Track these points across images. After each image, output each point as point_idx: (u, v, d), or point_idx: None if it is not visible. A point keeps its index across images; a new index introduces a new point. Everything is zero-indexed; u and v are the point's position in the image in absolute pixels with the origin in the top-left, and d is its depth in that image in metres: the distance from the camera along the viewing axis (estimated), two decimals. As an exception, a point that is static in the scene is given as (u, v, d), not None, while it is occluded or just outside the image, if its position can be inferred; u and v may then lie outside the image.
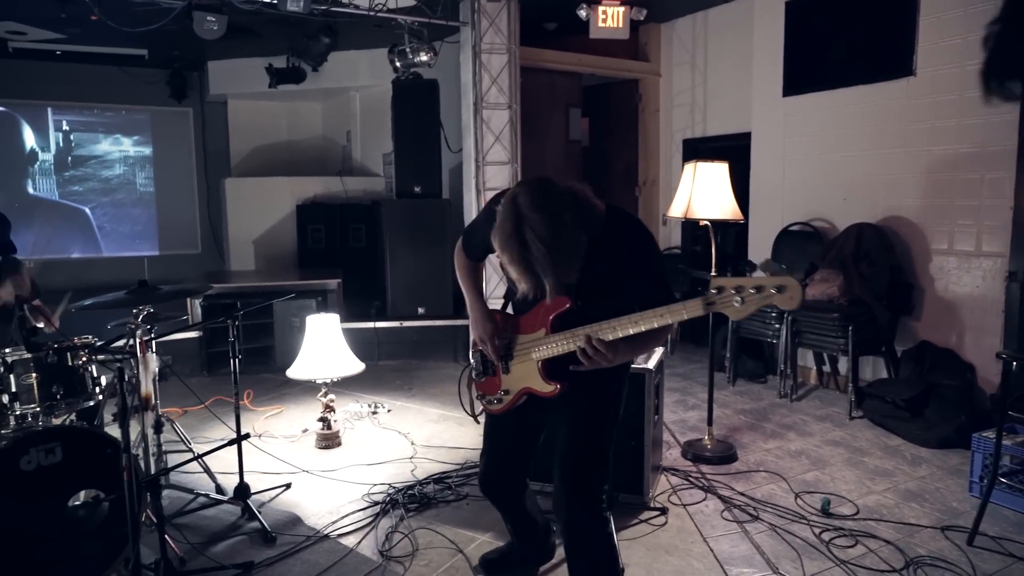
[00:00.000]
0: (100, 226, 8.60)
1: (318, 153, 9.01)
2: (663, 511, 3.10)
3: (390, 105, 7.46)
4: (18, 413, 2.58)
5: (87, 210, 8.53)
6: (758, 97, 5.60)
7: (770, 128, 5.49)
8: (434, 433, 4.21)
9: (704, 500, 3.23)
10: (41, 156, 8.36)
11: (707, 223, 3.64)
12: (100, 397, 2.82)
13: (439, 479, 3.50)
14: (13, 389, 2.60)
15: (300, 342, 4.17)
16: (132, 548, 2.10)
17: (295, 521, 3.13)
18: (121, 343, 2.92)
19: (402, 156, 6.31)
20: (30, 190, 8.30)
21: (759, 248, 5.52)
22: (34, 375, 2.62)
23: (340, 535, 3.00)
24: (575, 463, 2.12)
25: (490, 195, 5.83)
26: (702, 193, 3.52)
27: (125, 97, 8.53)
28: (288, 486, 3.49)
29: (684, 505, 3.18)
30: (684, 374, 5.39)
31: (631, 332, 1.91)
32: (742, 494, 3.26)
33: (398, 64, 6.05)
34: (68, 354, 2.69)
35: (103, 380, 2.85)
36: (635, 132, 7.11)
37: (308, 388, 4.95)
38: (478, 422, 2.54)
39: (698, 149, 6.66)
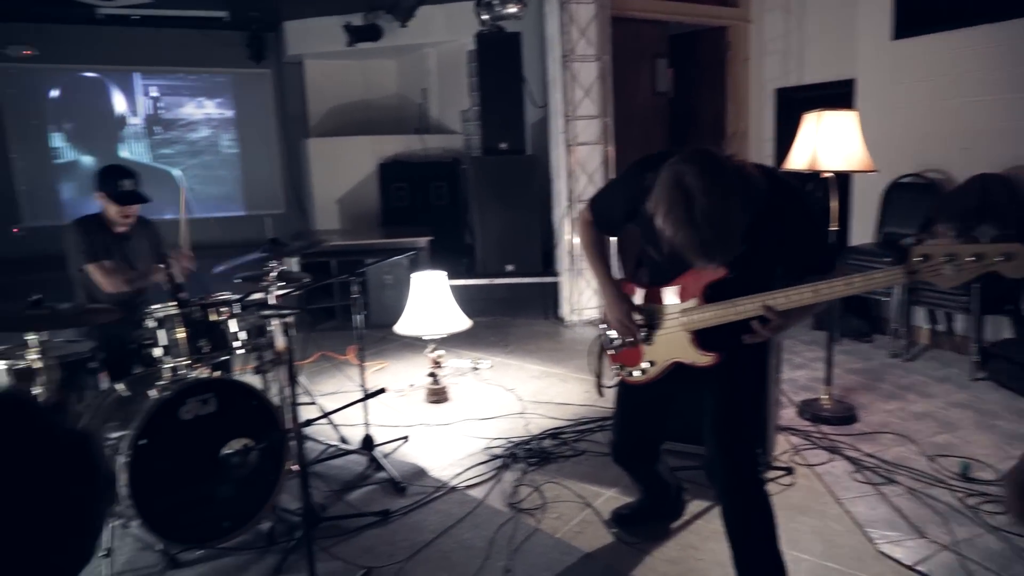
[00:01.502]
0: (190, 188, 8.84)
1: (393, 112, 9.00)
2: (789, 470, 3.06)
3: (466, 61, 7.41)
4: (170, 366, 2.69)
5: (177, 172, 8.78)
6: (864, 41, 5.30)
7: (877, 74, 5.20)
8: (539, 389, 4.24)
9: (830, 461, 3.17)
10: (131, 120, 8.60)
11: (829, 175, 3.49)
12: (240, 351, 2.91)
13: (554, 434, 3.52)
14: (164, 343, 2.70)
15: (392, 298, 4.21)
16: (303, 494, 2.18)
17: (420, 472, 3.22)
18: (264, 298, 2.99)
19: (486, 112, 6.24)
20: (122, 154, 8.57)
21: (865, 203, 5.30)
22: (182, 330, 2.71)
23: (467, 487, 3.06)
24: (730, 427, 2.09)
25: (580, 150, 5.78)
26: (828, 143, 3.37)
27: (206, 60, 8.66)
28: (406, 439, 3.57)
29: (810, 465, 3.12)
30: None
31: (810, 301, 1.84)
32: (870, 455, 3.18)
33: (484, 17, 5.95)
34: (213, 310, 2.78)
35: (240, 336, 2.93)
36: (723, 82, 6.85)
37: (407, 344, 5.05)
38: (601, 395, 2.53)
39: (792, 99, 6.37)
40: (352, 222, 7.81)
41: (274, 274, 3.03)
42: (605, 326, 2.32)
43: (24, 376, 2.67)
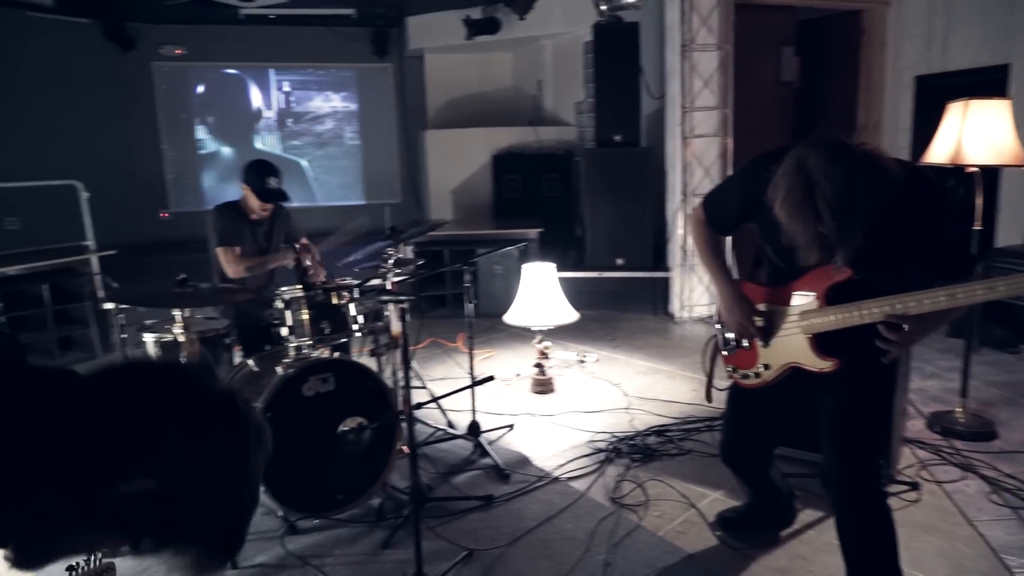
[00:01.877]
0: (315, 177, 9.36)
1: (508, 104, 9.10)
2: (914, 486, 2.86)
3: (583, 52, 7.37)
4: (294, 345, 2.87)
5: (304, 162, 9.30)
6: None
7: (1037, 59, 4.72)
8: (645, 385, 4.18)
9: (962, 479, 2.93)
10: (265, 114, 9.19)
11: (974, 170, 3.22)
12: (357, 334, 3.05)
13: (659, 431, 3.47)
14: (290, 323, 2.89)
15: (502, 288, 4.27)
16: (411, 473, 2.28)
17: (524, 461, 3.26)
18: (381, 284, 3.13)
19: (601, 104, 6.20)
20: (257, 145, 9.17)
21: (1015, 200, 4.84)
22: (306, 311, 2.88)
23: (570, 478, 3.08)
24: (850, 435, 1.97)
25: (697, 143, 5.63)
26: (975, 135, 3.10)
27: (333, 56, 9.10)
28: (511, 427, 3.63)
29: (939, 482, 2.91)
30: (912, 338, 4.91)
31: (944, 306, 1.71)
32: (1011, 476, 2.91)
33: (602, 7, 5.90)
34: (334, 294, 2.94)
35: (360, 319, 3.07)
36: (855, 70, 6.43)
37: (515, 334, 5.11)
38: (710, 399, 2.45)
39: (933, 86, 5.90)
40: (465, 212, 7.99)
41: (391, 261, 3.15)
42: (720, 327, 2.25)
43: (168, 348, 2.94)
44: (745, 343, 2.17)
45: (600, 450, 3.31)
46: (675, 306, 5.64)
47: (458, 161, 8.06)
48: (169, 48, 8.67)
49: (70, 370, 0.83)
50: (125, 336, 3.10)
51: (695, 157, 5.50)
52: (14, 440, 0.76)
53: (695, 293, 5.57)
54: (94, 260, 5.35)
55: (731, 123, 5.47)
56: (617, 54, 6.09)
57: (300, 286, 2.89)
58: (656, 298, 5.84)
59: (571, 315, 4.13)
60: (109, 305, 3.67)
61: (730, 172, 5.41)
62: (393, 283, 3.13)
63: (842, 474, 1.96)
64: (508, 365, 4.64)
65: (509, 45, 8.69)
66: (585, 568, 2.42)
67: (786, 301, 2.03)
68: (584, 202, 6.23)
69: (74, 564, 1.20)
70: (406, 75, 9.31)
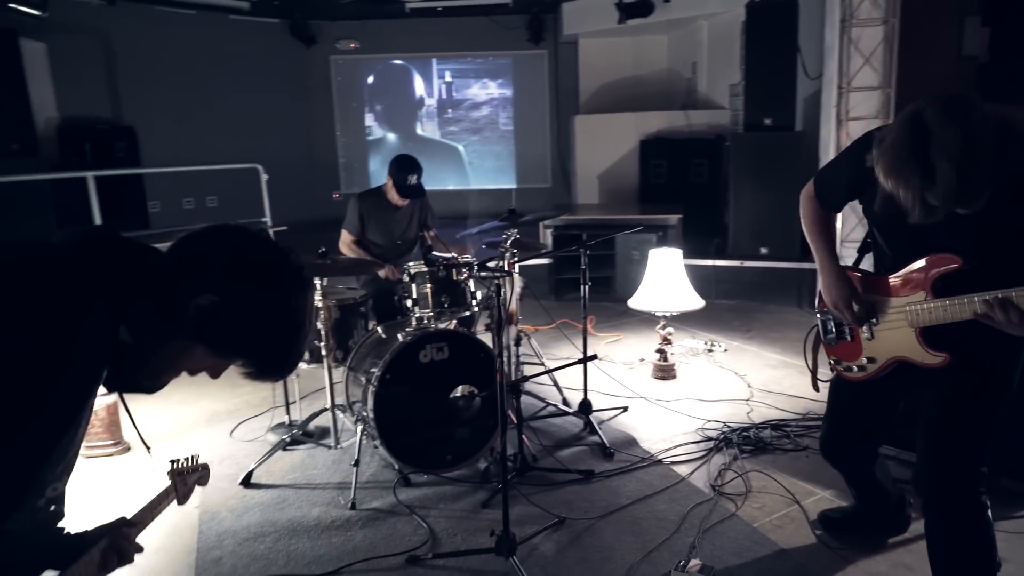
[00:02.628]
0: (470, 161, 9.80)
1: (662, 87, 8.95)
2: (1059, 506, 2.57)
3: (739, 32, 7.07)
4: (417, 315, 3.13)
5: (460, 147, 9.77)
6: None
7: None
8: (772, 379, 4.05)
9: (1123, 503, 2.59)
10: (427, 102, 9.75)
11: None
12: (476, 309, 3.26)
13: (777, 425, 3.37)
14: (414, 296, 3.15)
15: (639, 274, 4.29)
16: (500, 439, 2.44)
17: (631, 442, 3.31)
18: (493, 264, 3.31)
19: (752, 86, 5.95)
20: (418, 131, 9.76)
21: None
22: (429, 286, 3.13)
23: (673, 462, 3.09)
24: (945, 436, 1.84)
25: (853, 126, 5.26)
26: None
27: (491, 44, 9.44)
28: (625, 409, 3.69)
29: (1092, 504, 2.59)
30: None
31: None
32: None
33: (756, -15, 5.64)
34: (454, 271, 3.16)
35: (478, 295, 3.27)
36: (1058, 41, 5.65)
37: (646, 319, 5.12)
38: (817, 390, 2.36)
39: None
40: (610, 197, 8.02)
41: (509, 242, 3.31)
42: (821, 314, 2.18)
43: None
44: (848, 335, 2.08)
45: (710, 438, 3.28)
46: (821, 299, 5.33)
47: (605, 146, 8.08)
48: (345, 43, 9.45)
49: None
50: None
51: (851, 141, 5.14)
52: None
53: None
54: (269, 235, 6.04)
55: (894, 103, 5.04)
56: (773, 32, 5.80)
57: (424, 262, 3.14)
58: (802, 290, 5.56)
59: (696, 302, 4.08)
60: None
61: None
62: (509, 263, 3.30)
63: (934, 478, 1.84)
64: (633, 349, 4.67)
65: (664, 27, 8.53)
66: (670, 548, 2.45)
67: (890, 291, 1.93)
68: (729, 188, 6.04)
69: (175, 459, 1.47)
70: (560, 61, 9.45)
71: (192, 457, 1.52)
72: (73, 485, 1.20)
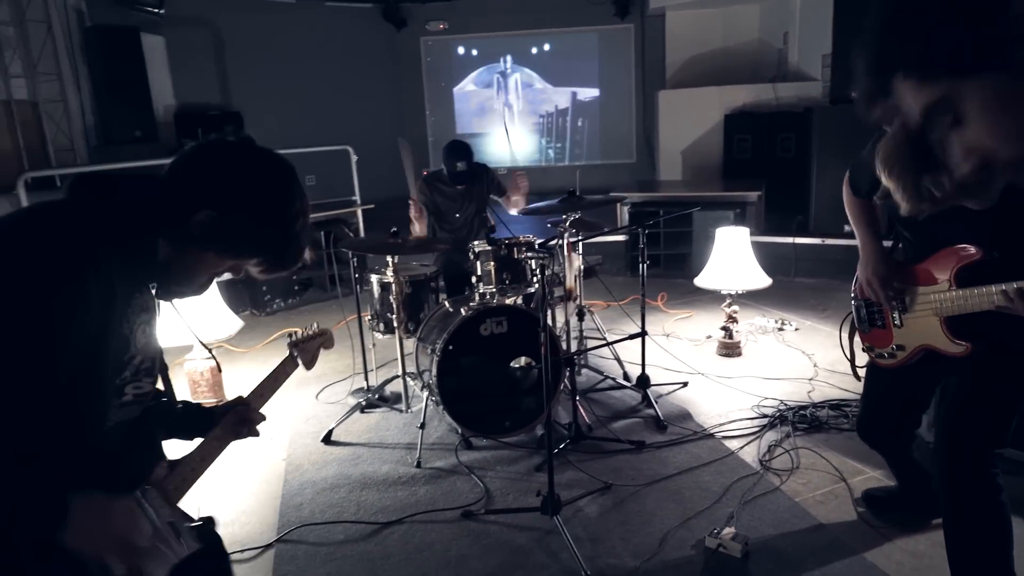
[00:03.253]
0: (553, 140, 9.90)
1: (751, 59, 8.70)
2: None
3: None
4: (480, 291, 3.34)
5: (539, 120, 9.89)
6: None
7: None
8: (840, 359, 3.96)
9: None
10: (512, 79, 9.90)
11: None
12: (536, 286, 3.43)
13: (836, 405, 3.37)
14: (479, 272, 3.35)
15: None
16: (546, 407, 2.61)
17: (686, 416, 3.41)
18: (553, 243, 3.47)
19: (841, 56, 5.75)
20: (502, 111, 9.94)
21: None
22: (492, 263, 3.32)
23: (725, 437, 3.18)
24: (959, 417, 1.87)
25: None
26: None
27: (577, 20, 9.44)
28: (685, 384, 3.77)
29: None
30: None
31: None
32: None
33: (845, -49, 5.42)
34: (514, 250, 3.34)
35: (539, 274, 3.44)
36: None
37: (719, 297, 5.11)
38: (858, 378, 2.38)
39: None
40: (693, 173, 7.93)
41: (568, 223, 3.45)
42: (855, 301, 2.21)
43: (386, 288, 3.59)
44: (880, 322, 2.12)
45: (765, 415, 3.33)
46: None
47: (690, 121, 7.98)
48: (434, 24, 9.71)
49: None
50: (358, 276, 3.82)
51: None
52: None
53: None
54: (359, 212, 6.43)
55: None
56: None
57: (487, 241, 3.34)
58: (886, 269, 5.38)
59: (763, 281, 4.08)
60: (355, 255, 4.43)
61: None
62: (569, 244, 3.44)
63: (948, 458, 1.87)
64: (702, 327, 4.71)
65: (756, -4, 8.28)
66: (710, 517, 2.57)
67: (917, 279, 1.95)
68: (812, 163, 5.88)
69: (292, 332, 1.71)
70: (647, 35, 9.34)
71: (310, 325, 1.75)
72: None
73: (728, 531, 2.39)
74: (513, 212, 4.18)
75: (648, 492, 2.77)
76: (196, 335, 1.63)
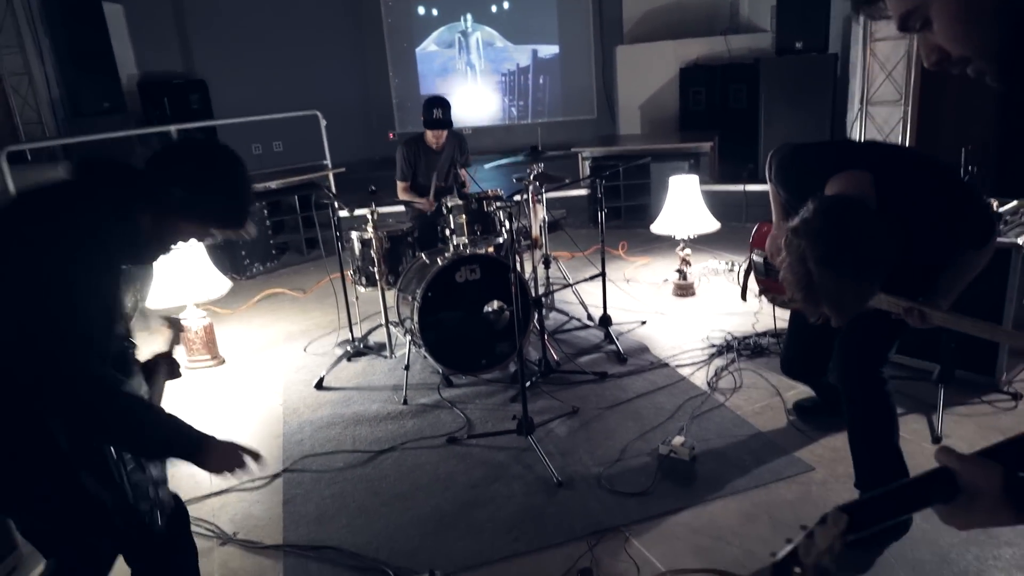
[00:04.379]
0: (516, 96, 10.08)
1: (705, 12, 8.91)
2: (1016, 396, 2.92)
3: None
4: (454, 243, 3.63)
5: (501, 79, 10.05)
6: None
7: None
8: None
9: (1074, 392, 2.92)
10: (472, 36, 10.00)
11: None
12: (505, 236, 3.73)
13: (776, 333, 3.76)
14: (452, 226, 3.64)
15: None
16: (518, 340, 2.95)
17: (644, 350, 3.79)
18: (518, 197, 3.77)
19: (785, 8, 6.04)
20: (464, 69, 10.07)
21: None
22: (464, 216, 3.61)
23: (678, 365, 3.56)
24: (848, 337, 2.24)
25: (880, 47, 5.32)
26: None
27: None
28: (644, 323, 4.15)
29: (1044, 393, 2.93)
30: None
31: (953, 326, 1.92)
32: None
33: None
34: (483, 203, 3.63)
35: (507, 224, 3.74)
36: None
37: (675, 243, 5.47)
38: (744, 299, 2.95)
39: None
40: (651, 127, 8.22)
41: (533, 175, 3.75)
42: (756, 254, 2.60)
43: (366, 244, 3.86)
44: (775, 275, 2.48)
45: (714, 345, 3.72)
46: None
47: (646, 76, 8.23)
48: (393, -16, 9.73)
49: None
50: (339, 234, 4.07)
51: (878, 62, 5.26)
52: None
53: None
54: (330, 176, 6.62)
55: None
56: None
57: (458, 197, 3.62)
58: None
59: (712, 225, 4.43)
60: (343, 213, 4.65)
61: (914, 77, 5.11)
62: (534, 196, 3.74)
63: (843, 363, 2.26)
64: (660, 271, 5.08)
65: (711, -49, 8.47)
66: (664, 430, 2.95)
67: None
68: (760, 112, 6.21)
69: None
70: (605, -12, 9.49)
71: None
72: (178, 390, 1.78)
73: (678, 439, 2.78)
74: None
75: (610, 414, 3.14)
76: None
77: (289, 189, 6.42)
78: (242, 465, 1.62)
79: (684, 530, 2.35)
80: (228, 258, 5.81)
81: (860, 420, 2.25)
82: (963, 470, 0.88)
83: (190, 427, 1.57)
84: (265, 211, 6.13)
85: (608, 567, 2.20)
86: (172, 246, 1.70)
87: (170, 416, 1.58)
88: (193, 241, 1.74)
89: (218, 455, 1.59)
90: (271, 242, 6.22)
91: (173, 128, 5.96)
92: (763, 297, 2.87)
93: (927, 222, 1.91)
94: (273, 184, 6.34)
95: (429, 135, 4.38)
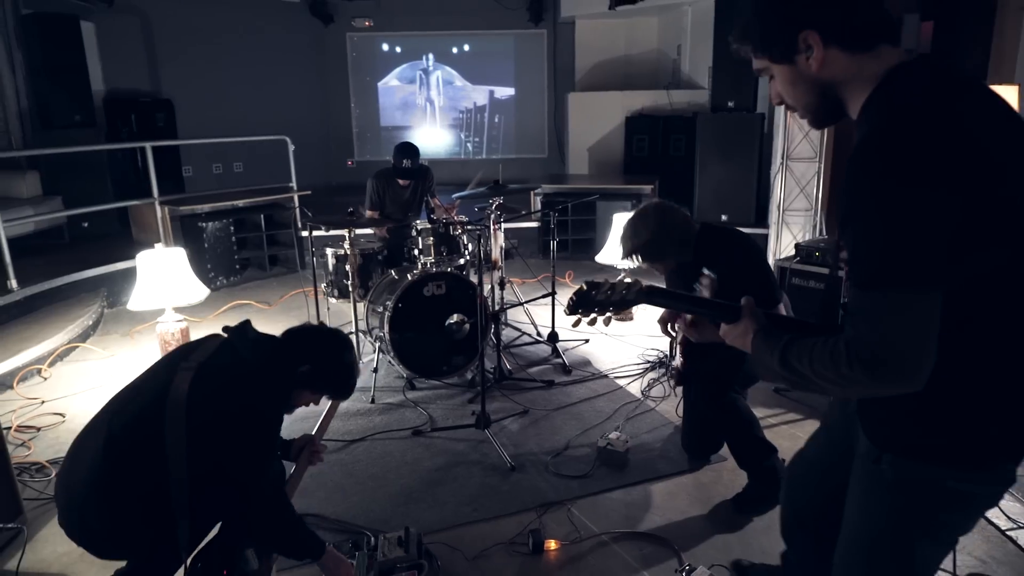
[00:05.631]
0: (472, 135, 10.63)
1: (650, 67, 9.71)
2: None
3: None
4: (422, 261, 4.05)
5: (458, 116, 10.59)
6: None
7: None
8: (710, 320, 4.97)
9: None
10: (433, 76, 10.54)
11: None
12: (467, 257, 4.18)
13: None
14: (420, 247, 4.07)
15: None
16: (479, 358, 3.37)
17: (587, 363, 4.27)
18: (484, 222, 4.22)
19: (720, 70, 6.76)
20: (420, 103, 10.58)
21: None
22: (431, 238, 4.05)
23: (617, 377, 4.04)
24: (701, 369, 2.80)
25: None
26: None
27: (495, 23, 10.18)
28: (587, 340, 4.63)
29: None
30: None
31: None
32: None
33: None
34: (450, 228, 4.07)
35: (470, 247, 4.19)
36: (988, 35, 6.42)
37: (615, 274, 6.02)
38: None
39: (1068, 54, 5.83)
40: (597, 168, 8.87)
41: (495, 206, 4.22)
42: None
43: (340, 260, 4.24)
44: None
45: (648, 360, 4.23)
46: (770, 258, 6.22)
47: (595, 121, 8.90)
48: (360, 21, 10.22)
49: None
50: (313, 250, 4.44)
51: (797, 123, 5.98)
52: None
53: (784, 245, 6.13)
54: (295, 198, 6.96)
55: (830, 93, 5.85)
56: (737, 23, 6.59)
57: (427, 222, 4.06)
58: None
59: (650, 258, 4.98)
60: (304, 233, 5.03)
61: (827, 138, 5.86)
62: (495, 224, 4.21)
63: (698, 397, 2.96)
64: (602, 298, 5.59)
65: (655, 10, 9.26)
66: (601, 429, 3.40)
67: None
68: (695, 162, 6.89)
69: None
70: (558, 40, 10.20)
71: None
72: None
73: (615, 435, 3.23)
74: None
75: (556, 415, 3.59)
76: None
77: (255, 208, 6.73)
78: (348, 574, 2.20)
79: (617, 504, 2.80)
80: (195, 270, 6.05)
81: (726, 431, 2.87)
82: (745, 311, 1.39)
83: (315, 535, 2.17)
84: (231, 227, 6.41)
85: (553, 531, 2.62)
86: (294, 408, 2.16)
87: (303, 524, 2.19)
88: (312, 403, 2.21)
89: (331, 562, 2.17)
90: (235, 257, 6.49)
91: (148, 145, 6.21)
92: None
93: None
94: (240, 203, 6.65)
95: (397, 178, 4.82)
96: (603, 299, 1.46)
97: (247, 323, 2.15)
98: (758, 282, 2.62)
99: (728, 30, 1.44)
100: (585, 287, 1.45)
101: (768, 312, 1.40)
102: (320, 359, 2.09)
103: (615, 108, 8.77)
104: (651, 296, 1.45)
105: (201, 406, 1.87)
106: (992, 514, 2.61)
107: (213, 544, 2.08)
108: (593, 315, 1.48)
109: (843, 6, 1.18)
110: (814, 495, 1.71)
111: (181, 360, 2.00)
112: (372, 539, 2.43)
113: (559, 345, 4.37)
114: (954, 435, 1.22)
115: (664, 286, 1.86)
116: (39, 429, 3.55)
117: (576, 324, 1.55)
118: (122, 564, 2.04)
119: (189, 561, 1.97)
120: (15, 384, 4.04)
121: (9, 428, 3.50)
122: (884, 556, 1.35)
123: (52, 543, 2.58)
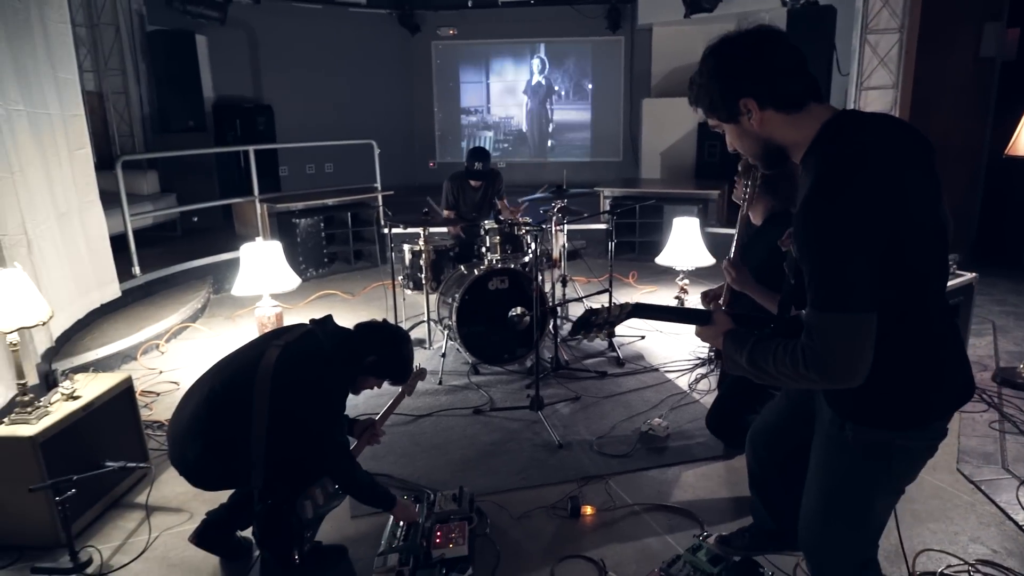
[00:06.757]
0: (552, 138, 10.99)
1: (727, 72, 9.77)
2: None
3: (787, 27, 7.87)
4: (488, 258, 4.43)
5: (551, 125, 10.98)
6: None
7: None
8: (765, 322, 5.13)
9: (985, 411, 3.61)
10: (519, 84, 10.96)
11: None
12: (530, 256, 4.53)
13: (752, 352, 4.49)
14: (487, 244, 4.45)
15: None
16: (534, 348, 3.72)
17: (640, 358, 4.54)
18: (543, 224, 4.57)
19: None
20: (513, 112, 11.00)
21: None
22: (498, 237, 4.42)
23: (667, 371, 4.30)
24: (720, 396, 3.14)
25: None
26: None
27: (574, 31, 10.51)
28: (643, 337, 4.90)
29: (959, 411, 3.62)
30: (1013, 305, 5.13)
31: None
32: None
33: (797, -10, 6.52)
34: (514, 228, 4.44)
35: (532, 246, 4.54)
36: (1078, 42, 6.25)
37: (676, 275, 6.23)
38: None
39: None
40: (669, 172, 9.04)
41: (556, 208, 4.56)
42: None
43: (416, 255, 4.68)
44: None
45: (699, 357, 4.46)
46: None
47: (669, 127, 9.08)
48: (445, 30, 10.76)
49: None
50: (393, 246, 4.90)
51: (865, 132, 6.03)
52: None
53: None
54: (379, 197, 7.50)
55: (899, 101, 5.89)
56: (812, 34, 6.67)
57: (495, 222, 4.44)
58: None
59: (707, 260, 5.19)
60: (385, 231, 5.51)
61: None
62: (556, 225, 4.54)
63: (715, 415, 3.21)
64: (663, 297, 5.84)
65: (732, 18, 9.33)
66: (646, 416, 3.68)
67: None
68: (764, 169, 7.00)
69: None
70: (635, 47, 10.42)
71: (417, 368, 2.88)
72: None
73: (658, 421, 3.51)
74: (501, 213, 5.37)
75: (606, 402, 3.89)
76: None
77: (343, 206, 7.31)
78: (415, 519, 2.60)
79: (652, 481, 3.09)
80: (288, 262, 6.66)
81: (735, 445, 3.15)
82: (715, 315, 1.69)
83: (386, 489, 2.56)
84: (321, 224, 7.01)
85: (591, 499, 2.94)
86: (360, 391, 2.56)
87: (373, 480, 2.58)
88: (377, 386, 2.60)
89: (400, 510, 2.57)
90: (324, 251, 7.08)
91: (252, 148, 6.86)
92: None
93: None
94: (329, 201, 7.24)
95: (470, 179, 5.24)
96: (600, 321, 1.79)
97: (329, 317, 2.58)
98: None
99: (800, 38, 1.76)
100: (586, 313, 1.77)
101: (735, 313, 1.71)
102: (384, 351, 2.49)
103: (689, 114, 8.67)
104: (638, 311, 1.82)
105: (283, 375, 2.30)
106: (1011, 509, 2.75)
107: (278, 491, 2.44)
108: (592, 334, 1.83)
109: (772, 78, 1.47)
110: (774, 454, 2.11)
111: (273, 339, 2.45)
112: (432, 495, 2.81)
113: (615, 340, 4.66)
114: (900, 404, 1.50)
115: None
116: (158, 394, 4.14)
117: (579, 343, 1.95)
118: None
119: (258, 497, 2.38)
120: (139, 356, 4.68)
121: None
122: (846, 503, 1.63)
123: (172, 484, 3.09)
